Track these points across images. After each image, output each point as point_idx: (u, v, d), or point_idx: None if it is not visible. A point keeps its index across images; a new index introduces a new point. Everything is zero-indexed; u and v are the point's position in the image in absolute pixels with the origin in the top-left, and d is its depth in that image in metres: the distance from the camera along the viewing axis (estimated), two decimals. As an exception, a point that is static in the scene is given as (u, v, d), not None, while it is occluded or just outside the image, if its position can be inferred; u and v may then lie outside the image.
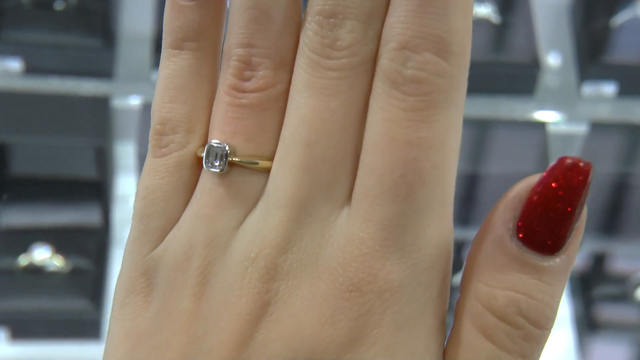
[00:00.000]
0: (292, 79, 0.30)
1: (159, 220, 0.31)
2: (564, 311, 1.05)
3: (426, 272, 0.29)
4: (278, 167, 0.29)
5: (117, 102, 1.02)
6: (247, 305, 0.29)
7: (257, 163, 0.29)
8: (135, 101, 1.02)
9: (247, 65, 0.30)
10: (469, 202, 1.07)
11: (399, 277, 0.28)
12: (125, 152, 1.09)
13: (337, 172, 0.29)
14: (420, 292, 0.29)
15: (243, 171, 0.30)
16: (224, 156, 0.30)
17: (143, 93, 1.01)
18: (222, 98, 0.30)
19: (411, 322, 0.28)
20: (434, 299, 0.29)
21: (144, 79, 1.02)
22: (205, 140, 0.30)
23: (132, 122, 1.03)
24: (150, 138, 0.31)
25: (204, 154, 0.30)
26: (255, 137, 0.30)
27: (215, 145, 0.30)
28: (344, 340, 0.28)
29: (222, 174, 0.30)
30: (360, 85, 0.29)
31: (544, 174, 0.28)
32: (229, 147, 0.29)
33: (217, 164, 0.30)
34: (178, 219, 0.31)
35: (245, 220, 0.29)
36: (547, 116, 1.03)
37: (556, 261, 0.28)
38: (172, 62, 0.31)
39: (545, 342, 0.29)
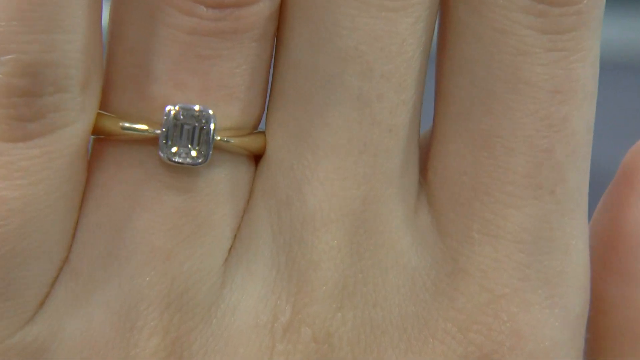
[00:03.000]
0: None
1: (34, 269, 0.21)
2: None
3: (578, 320, 0.22)
4: (299, 149, 0.22)
5: None
6: None
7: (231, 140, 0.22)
8: None
9: None
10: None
11: (551, 333, 0.21)
12: None
13: (414, 151, 0.22)
14: (574, 356, 0.22)
15: (223, 158, 0.22)
16: (206, 134, 0.21)
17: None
18: (173, 21, 0.21)
19: None
20: None
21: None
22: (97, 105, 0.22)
23: None
24: None
25: (162, 130, 0.21)
26: (244, 93, 0.22)
27: (188, 112, 0.21)
28: None
29: (179, 168, 0.21)
30: None
31: None
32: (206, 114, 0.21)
33: (191, 151, 0.21)
34: (65, 260, 0.22)
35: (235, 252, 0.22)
36: None
37: None
38: None
39: None
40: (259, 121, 0.23)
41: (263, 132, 0.23)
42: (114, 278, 0.22)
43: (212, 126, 0.22)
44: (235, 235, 0.23)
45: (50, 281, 0.22)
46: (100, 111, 0.23)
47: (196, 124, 0.22)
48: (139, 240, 0.22)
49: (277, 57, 0.23)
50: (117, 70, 0.23)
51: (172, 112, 0.21)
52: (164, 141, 0.22)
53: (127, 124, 0.22)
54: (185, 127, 0.21)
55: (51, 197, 0.22)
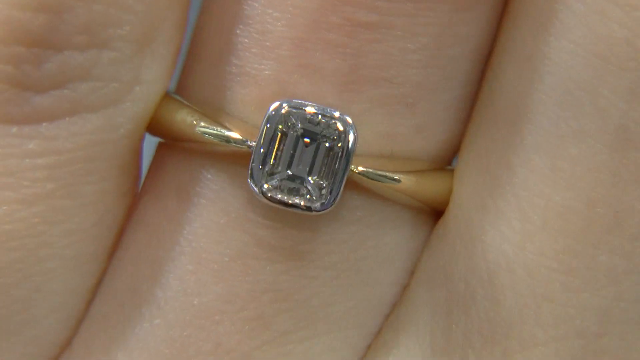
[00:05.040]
0: None
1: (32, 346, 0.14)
2: None
3: None
4: (499, 208, 0.14)
5: None
6: None
7: (401, 181, 0.13)
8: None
9: None
10: None
11: None
12: None
13: None
14: None
15: (371, 208, 0.14)
16: (337, 159, 0.13)
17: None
18: None
19: None
20: None
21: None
22: (166, 83, 0.14)
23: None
24: None
25: (258, 144, 0.13)
26: (427, 97, 0.14)
27: (309, 115, 0.13)
28: None
29: (291, 216, 0.13)
30: None
31: None
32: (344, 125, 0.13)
33: (311, 186, 0.13)
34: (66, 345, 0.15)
35: None
36: None
37: None
38: None
39: None
40: (447, 154, 0.15)
41: (450, 172, 0.15)
42: None
43: (349, 145, 0.13)
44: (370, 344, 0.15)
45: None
46: (173, 95, 0.15)
47: (321, 139, 0.14)
48: (198, 333, 0.14)
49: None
50: (208, 35, 0.15)
51: (282, 111, 0.14)
52: (259, 163, 0.14)
53: (208, 127, 0.14)
54: (303, 142, 0.14)
55: (56, 232, 0.14)
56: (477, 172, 0.15)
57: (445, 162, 0.16)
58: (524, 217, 0.15)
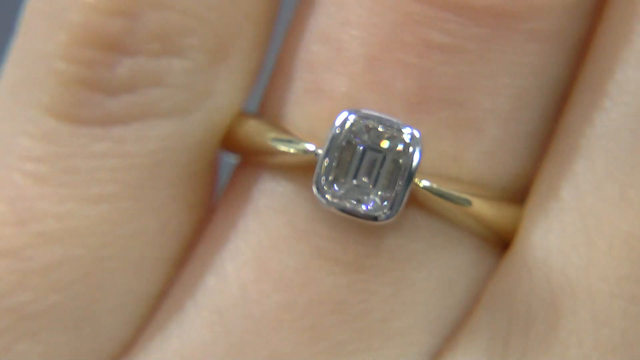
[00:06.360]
0: None
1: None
2: None
3: None
4: (578, 239, 0.14)
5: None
6: None
7: (470, 203, 0.14)
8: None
9: None
10: None
11: None
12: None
13: None
14: None
15: (436, 229, 0.14)
16: (402, 170, 0.13)
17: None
18: None
19: None
20: None
21: None
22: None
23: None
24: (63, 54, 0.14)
25: (321, 153, 0.14)
26: (496, 126, 0.14)
27: (375, 129, 0.13)
28: None
29: (356, 227, 0.14)
30: None
31: None
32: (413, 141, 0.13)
33: (375, 197, 0.14)
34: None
35: None
36: None
37: None
38: None
39: None
40: (520, 189, 0.15)
41: (519, 206, 0.15)
42: None
43: (415, 158, 0.14)
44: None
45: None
46: (246, 111, 0.15)
47: (387, 151, 0.14)
48: (257, 340, 0.15)
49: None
50: (287, 52, 0.15)
51: (349, 121, 0.14)
52: (323, 173, 0.14)
53: (278, 136, 0.15)
54: (369, 153, 0.14)
55: (118, 233, 0.14)
56: (548, 200, 0.15)
57: (518, 197, 0.16)
58: (590, 243, 0.15)
